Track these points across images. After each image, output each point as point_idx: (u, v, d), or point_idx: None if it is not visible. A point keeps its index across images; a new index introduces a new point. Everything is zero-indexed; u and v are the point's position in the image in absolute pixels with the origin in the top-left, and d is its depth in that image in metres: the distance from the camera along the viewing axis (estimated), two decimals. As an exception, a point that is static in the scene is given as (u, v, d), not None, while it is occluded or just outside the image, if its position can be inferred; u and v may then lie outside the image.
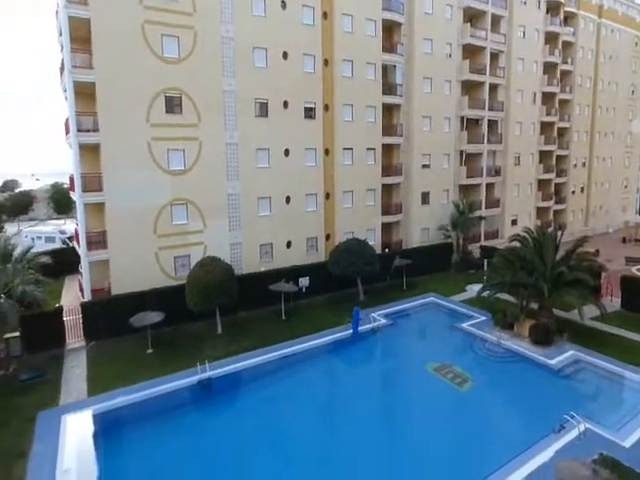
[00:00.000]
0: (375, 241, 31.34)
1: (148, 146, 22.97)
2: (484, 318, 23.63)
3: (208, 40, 23.95)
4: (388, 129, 32.39)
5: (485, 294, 22.95)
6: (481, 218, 37.08)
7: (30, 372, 18.21)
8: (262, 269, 26.15)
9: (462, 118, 36.56)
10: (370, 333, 22.78)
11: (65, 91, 22.61)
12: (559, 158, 45.87)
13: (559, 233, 22.87)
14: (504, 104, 38.92)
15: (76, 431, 14.87)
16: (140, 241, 23.00)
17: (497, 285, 22.31)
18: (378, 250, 30.41)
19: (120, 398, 16.53)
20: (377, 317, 23.77)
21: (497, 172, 39.64)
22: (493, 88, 38.24)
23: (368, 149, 31.06)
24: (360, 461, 13.95)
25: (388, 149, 32.93)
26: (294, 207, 28.09)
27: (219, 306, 21.86)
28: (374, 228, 31.99)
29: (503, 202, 40.58)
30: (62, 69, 22.53)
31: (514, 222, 41.18)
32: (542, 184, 44.39)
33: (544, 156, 43.93)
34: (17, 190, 75.64)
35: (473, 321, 23.49)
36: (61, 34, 21.50)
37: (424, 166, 34.42)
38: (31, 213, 62.26)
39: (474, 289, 27.00)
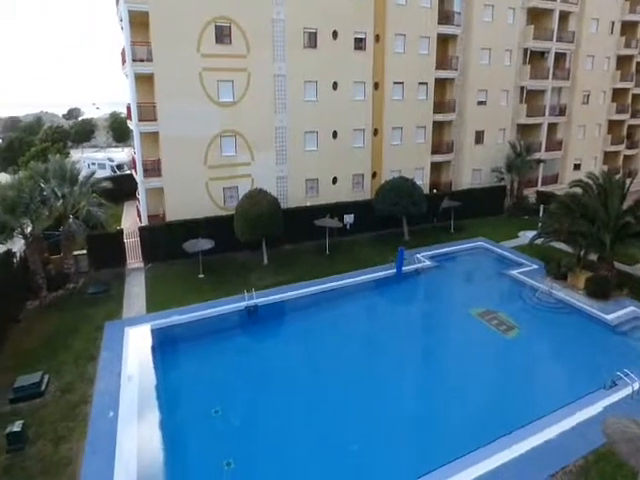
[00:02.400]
0: (423, 181, 30.14)
1: (199, 77, 22.79)
2: (535, 267, 22.34)
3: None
4: (442, 62, 29.97)
5: (539, 241, 21.64)
6: (540, 161, 34.35)
7: (96, 287, 19.65)
8: (307, 204, 26.06)
9: (525, 50, 33.07)
10: (414, 274, 22.40)
11: (121, 21, 22.61)
12: (635, 97, 40.80)
13: (628, 180, 20.74)
14: (575, 35, 34.59)
15: (137, 343, 15.97)
16: (192, 171, 23.46)
17: (553, 233, 20.88)
18: (426, 190, 29.28)
19: (175, 317, 17.48)
20: (422, 258, 23.22)
21: (562, 111, 36.01)
22: (564, 16, 33.93)
23: (420, 83, 29.07)
24: (395, 400, 13.72)
25: (441, 84, 30.68)
26: (341, 142, 27.25)
27: (265, 237, 22.21)
28: (423, 167, 30.67)
29: (566, 144, 37.18)
30: (117, -2, 22.42)
31: (577, 167, 37.89)
32: (613, 126, 39.99)
33: (618, 94, 39.22)
34: (80, 118, 79.06)
35: (523, 269, 22.32)
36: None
37: (480, 103, 31.87)
38: (93, 140, 65.10)
39: (527, 236, 25.48)
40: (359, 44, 26.54)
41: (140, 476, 10.43)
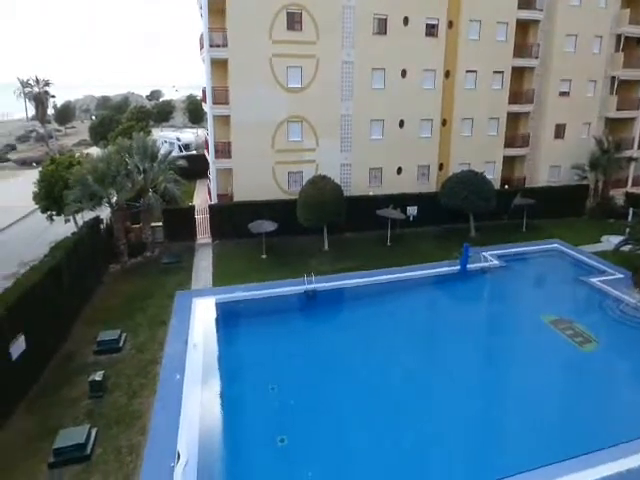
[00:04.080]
0: (494, 175, 28.42)
1: (269, 62, 23.35)
2: (620, 276, 19.98)
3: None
4: (521, 50, 28.02)
5: (626, 248, 19.44)
6: (631, 159, 31.01)
7: (170, 257, 20.93)
8: (370, 193, 25.69)
9: (619, 37, 29.94)
10: (479, 272, 21.16)
11: (200, 8, 23.75)
12: None
13: None
14: (680, 18, 30.74)
15: (203, 313, 16.66)
16: (259, 154, 24.13)
17: (645, 240, 18.52)
18: (497, 185, 27.64)
19: (239, 293, 18.03)
20: (489, 257, 21.84)
21: (660, 104, 32.25)
22: (667, -2, 30.26)
23: (495, 72, 27.42)
24: (450, 403, 12.82)
25: (518, 73, 28.67)
26: (407, 132, 26.50)
27: (327, 224, 22.20)
28: (494, 161, 28.91)
29: (664, 142, 33.23)
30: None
31: (677, 168, 33.71)
32: None
33: None
34: (161, 99, 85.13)
35: (605, 277, 20.10)
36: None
37: (562, 94, 29.38)
38: (171, 121, 69.66)
39: (611, 241, 23.01)
40: (431, 30, 25.62)
41: (201, 437, 10.85)
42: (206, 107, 25.09)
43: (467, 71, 26.93)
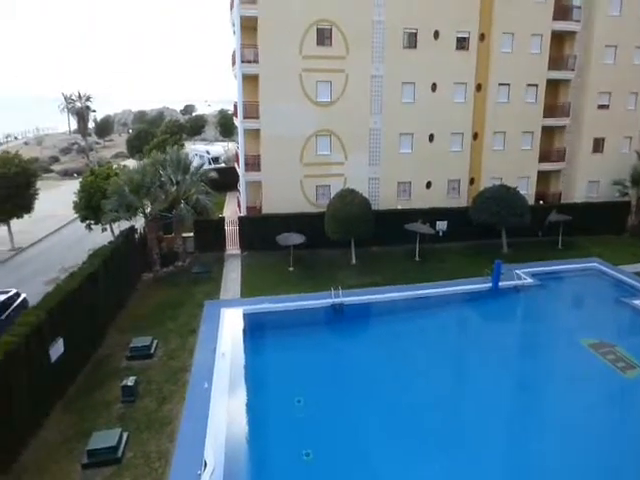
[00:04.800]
0: (528, 190, 27.62)
1: (299, 77, 23.82)
2: None
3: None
4: (556, 62, 27.37)
5: None
6: (677, 174, 29.38)
7: (200, 267, 21.41)
8: (399, 207, 25.51)
9: (662, 47, 28.79)
10: (512, 290, 20.42)
11: (233, 25, 24.72)
12: None
13: None
14: None
15: (231, 323, 16.86)
16: (288, 167, 24.48)
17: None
18: (531, 201, 26.84)
19: (266, 304, 18.14)
20: (522, 275, 21.06)
21: None
22: None
23: (528, 85, 26.87)
24: (481, 429, 12.16)
25: (554, 85, 27.99)
26: (437, 146, 26.25)
27: (355, 237, 22.14)
28: (528, 176, 28.13)
29: None
30: (232, 5, 24.60)
31: None
32: None
33: None
34: (194, 114, 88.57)
35: None
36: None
37: (601, 107, 28.37)
38: (203, 134, 72.00)
39: (656, 261, 21.85)
40: (462, 44, 25.50)
41: (228, 446, 10.91)
42: (237, 121, 25.84)
43: (499, 84, 26.51)
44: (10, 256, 23.54)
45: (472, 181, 27.54)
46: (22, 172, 23.37)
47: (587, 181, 29.18)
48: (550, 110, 27.93)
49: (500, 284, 20.15)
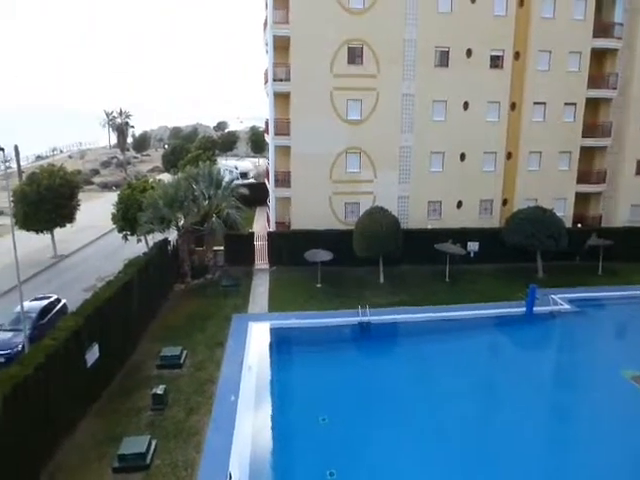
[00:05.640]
0: (565, 213, 26.60)
1: (330, 95, 24.24)
2: None
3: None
4: (596, 80, 26.66)
5: None
6: None
7: (229, 280, 21.72)
8: (429, 226, 25.17)
9: None
10: (548, 316, 19.67)
11: (266, 44, 25.52)
12: None
13: None
14: None
15: (258, 337, 17.01)
16: (317, 184, 24.73)
17: None
18: (568, 224, 25.77)
19: (293, 320, 18.20)
20: (559, 300, 20.24)
21: None
22: None
23: (566, 104, 26.23)
24: (513, 463, 11.45)
25: (593, 104, 27.20)
26: (469, 165, 25.87)
27: (383, 256, 21.95)
28: (565, 198, 27.22)
29: None
30: (265, 25, 25.58)
31: None
32: None
33: None
34: (226, 130, 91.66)
35: None
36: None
37: (644, 127, 27.29)
38: (235, 150, 74.53)
39: None
40: (495, 62, 25.29)
41: (252, 460, 10.97)
42: (268, 138, 26.49)
43: (535, 103, 26.00)
44: (53, 263, 24.77)
45: (505, 202, 26.88)
46: (66, 184, 24.81)
47: (630, 204, 27.87)
48: (590, 130, 27.10)
49: (535, 309, 19.43)
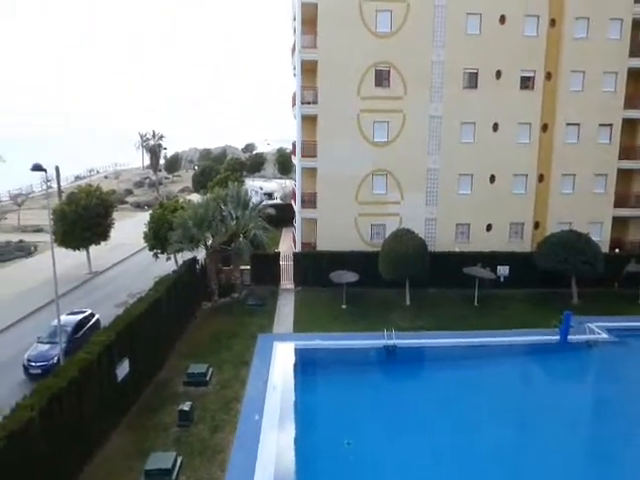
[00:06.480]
0: (601, 237, 25.50)
1: (357, 117, 24.54)
2: None
3: (419, 10, 23.75)
4: (633, 100, 25.87)
5: None
6: None
7: (255, 300, 21.87)
8: (457, 249, 24.62)
9: None
10: (584, 345, 18.74)
11: (294, 68, 26.19)
12: None
13: None
14: None
15: (283, 357, 16.91)
16: (343, 206, 24.83)
17: None
18: (605, 249, 24.63)
19: (318, 341, 18.09)
20: (595, 329, 19.24)
21: None
22: None
23: (601, 125, 25.53)
24: None
25: (631, 125, 26.41)
26: (499, 188, 25.40)
27: (409, 278, 21.64)
28: (601, 222, 26.17)
29: None
30: (293, 49, 26.36)
31: None
32: None
33: None
34: (254, 152, 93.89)
35: None
36: (294, 19, 25.01)
37: (686, 148, 26.19)
38: (262, 171, 76.19)
39: None
40: (526, 83, 25.03)
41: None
42: (295, 159, 26.94)
43: (568, 124, 25.41)
44: (88, 279, 25.72)
45: (537, 225, 26.08)
46: (102, 203, 25.89)
47: (672, 229, 26.56)
48: (627, 151, 26.25)
49: (569, 337, 18.57)
